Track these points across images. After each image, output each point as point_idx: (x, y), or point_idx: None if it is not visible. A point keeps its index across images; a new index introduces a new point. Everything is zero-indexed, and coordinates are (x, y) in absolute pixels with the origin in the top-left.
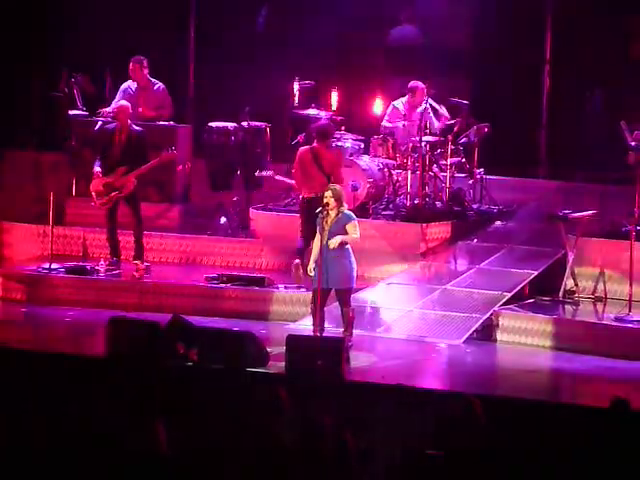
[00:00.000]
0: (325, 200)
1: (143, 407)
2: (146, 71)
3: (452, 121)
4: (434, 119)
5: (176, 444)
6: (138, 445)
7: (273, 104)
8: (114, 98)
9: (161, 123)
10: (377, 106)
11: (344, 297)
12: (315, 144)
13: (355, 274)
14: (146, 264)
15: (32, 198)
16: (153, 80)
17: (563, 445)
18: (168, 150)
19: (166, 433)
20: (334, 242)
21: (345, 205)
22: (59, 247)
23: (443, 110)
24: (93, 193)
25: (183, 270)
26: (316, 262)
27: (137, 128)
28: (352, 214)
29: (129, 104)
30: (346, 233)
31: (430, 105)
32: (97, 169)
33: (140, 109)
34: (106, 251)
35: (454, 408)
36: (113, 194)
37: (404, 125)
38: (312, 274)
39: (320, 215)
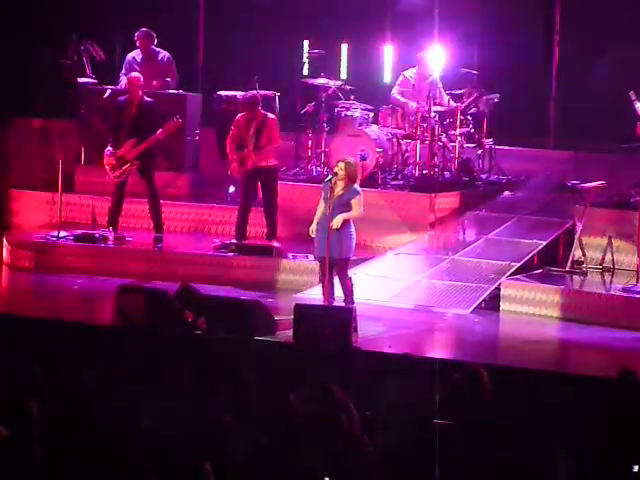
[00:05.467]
0: (336, 169)
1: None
2: (153, 43)
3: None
4: (444, 94)
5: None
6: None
7: (282, 73)
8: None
9: (171, 92)
10: (387, 75)
11: (341, 267)
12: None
13: (354, 245)
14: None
15: (41, 166)
16: (157, 49)
17: (569, 415)
18: (173, 119)
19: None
20: (336, 223)
21: (357, 184)
22: (68, 215)
23: (444, 100)
24: (107, 167)
25: (192, 239)
26: (318, 224)
27: (148, 99)
28: (358, 189)
29: (140, 75)
30: (350, 206)
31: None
32: (109, 149)
33: (154, 82)
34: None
35: (461, 378)
36: (126, 167)
37: (415, 106)
38: (313, 235)
39: (329, 183)
